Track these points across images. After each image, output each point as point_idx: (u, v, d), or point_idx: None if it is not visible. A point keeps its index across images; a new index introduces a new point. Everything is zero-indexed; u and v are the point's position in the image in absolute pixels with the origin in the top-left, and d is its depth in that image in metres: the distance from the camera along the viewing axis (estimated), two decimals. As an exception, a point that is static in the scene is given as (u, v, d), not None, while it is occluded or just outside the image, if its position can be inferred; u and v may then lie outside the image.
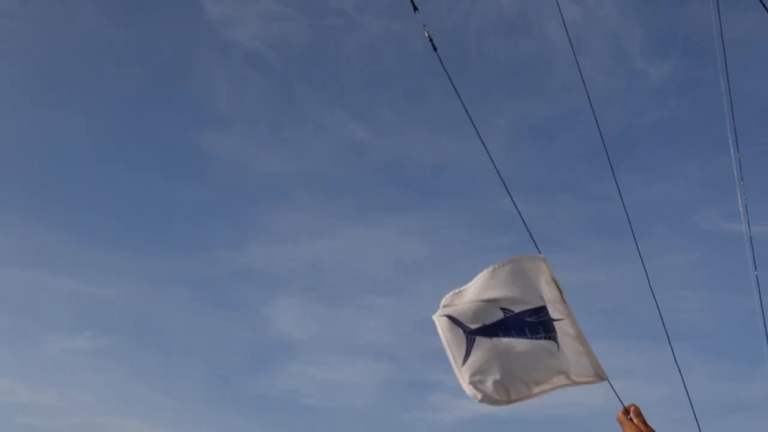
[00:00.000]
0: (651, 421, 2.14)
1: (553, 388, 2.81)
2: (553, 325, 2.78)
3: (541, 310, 2.81)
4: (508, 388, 2.76)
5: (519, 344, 2.78)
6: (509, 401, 2.79)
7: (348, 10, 12.84)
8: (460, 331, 2.80)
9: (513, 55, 13.18)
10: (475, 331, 2.75)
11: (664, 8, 11.46)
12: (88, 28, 14.06)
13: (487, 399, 2.72)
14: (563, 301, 2.65)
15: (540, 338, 2.79)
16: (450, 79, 2.35)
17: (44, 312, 14.45)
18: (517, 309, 2.79)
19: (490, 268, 2.79)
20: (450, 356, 2.72)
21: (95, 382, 13.79)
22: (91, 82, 14.50)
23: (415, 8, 2.43)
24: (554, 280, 2.68)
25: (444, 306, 2.81)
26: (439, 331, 2.73)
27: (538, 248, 2.60)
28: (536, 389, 2.77)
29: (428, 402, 12.69)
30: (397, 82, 13.45)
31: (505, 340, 2.77)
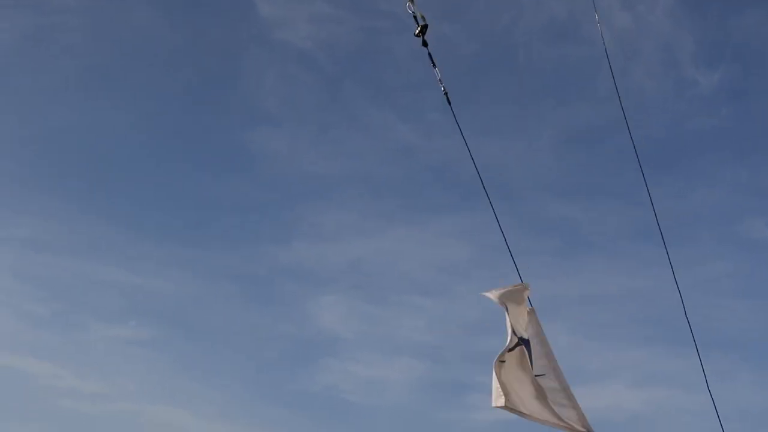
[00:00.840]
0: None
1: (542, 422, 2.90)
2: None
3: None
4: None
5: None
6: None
7: (398, 12, 12.89)
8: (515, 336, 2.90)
9: (562, 61, 13.22)
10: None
11: (716, 17, 11.44)
12: (143, 26, 14.39)
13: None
14: (547, 354, 2.78)
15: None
16: (462, 133, 2.49)
17: (91, 300, 14.86)
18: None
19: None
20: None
21: (138, 370, 14.15)
22: (145, 79, 14.85)
23: (434, 65, 2.58)
24: (540, 331, 2.81)
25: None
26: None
27: (521, 277, 2.71)
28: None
29: (465, 402, 12.83)
30: (446, 85, 13.50)
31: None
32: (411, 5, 2.57)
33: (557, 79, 13.59)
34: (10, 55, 14.42)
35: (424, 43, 2.64)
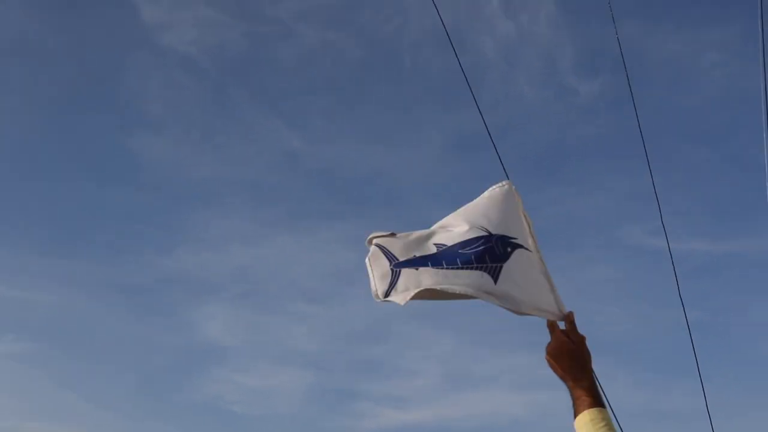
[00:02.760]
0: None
1: (492, 301, 2.60)
2: (509, 251, 2.64)
3: (486, 239, 2.65)
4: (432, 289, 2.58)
5: (448, 272, 2.62)
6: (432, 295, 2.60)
7: (284, 18, 12.87)
8: (386, 263, 2.61)
9: (447, 68, 13.41)
10: (402, 263, 2.60)
11: (596, 27, 11.84)
12: (16, 27, 13.76)
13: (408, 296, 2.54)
14: (531, 234, 2.60)
15: (472, 268, 2.62)
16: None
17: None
18: (450, 242, 2.65)
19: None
20: (372, 283, 2.53)
21: (17, 386, 13.45)
22: (20, 83, 14.17)
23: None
24: (523, 213, 2.61)
25: (377, 237, 2.65)
26: (367, 260, 2.58)
27: (506, 172, 2.53)
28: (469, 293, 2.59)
29: (352, 410, 12.78)
30: (332, 92, 13.54)
31: (433, 269, 2.61)
32: None
33: (442, 86, 13.78)
34: None
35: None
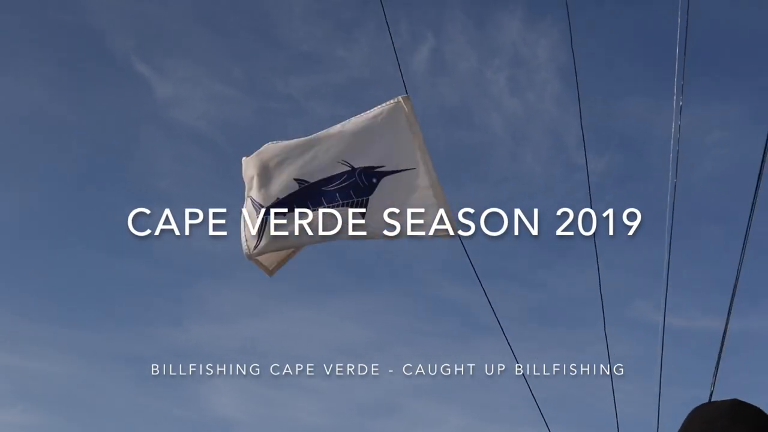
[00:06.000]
0: None
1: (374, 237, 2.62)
2: (374, 183, 2.65)
3: (349, 174, 2.68)
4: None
5: (317, 214, 2.66)
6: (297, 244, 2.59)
7: (295, 95, 13.05)
8: (255, 212, 2.61)
9: (454, 145, 13.53)
10: (268, 208, 2.61)
11: (600, 104, 11.94)
12: (33, 104, 13.99)
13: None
14: (420, 148, 2.57)
15: (338, 205, 2.67)
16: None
17: (-27, 386, 13.99)
18: (313, 179, 2.62)
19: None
20: (248, 225, 2.58)
21: (24, 460, 13.33)
22: (36, 159, 14.38)
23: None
24: (414, 124, 2.59)
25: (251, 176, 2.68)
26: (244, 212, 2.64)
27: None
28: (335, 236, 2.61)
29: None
30: None
31: (300, 211, 2.59)
32: None
33: (452, 162, 13.89)
34: None
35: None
